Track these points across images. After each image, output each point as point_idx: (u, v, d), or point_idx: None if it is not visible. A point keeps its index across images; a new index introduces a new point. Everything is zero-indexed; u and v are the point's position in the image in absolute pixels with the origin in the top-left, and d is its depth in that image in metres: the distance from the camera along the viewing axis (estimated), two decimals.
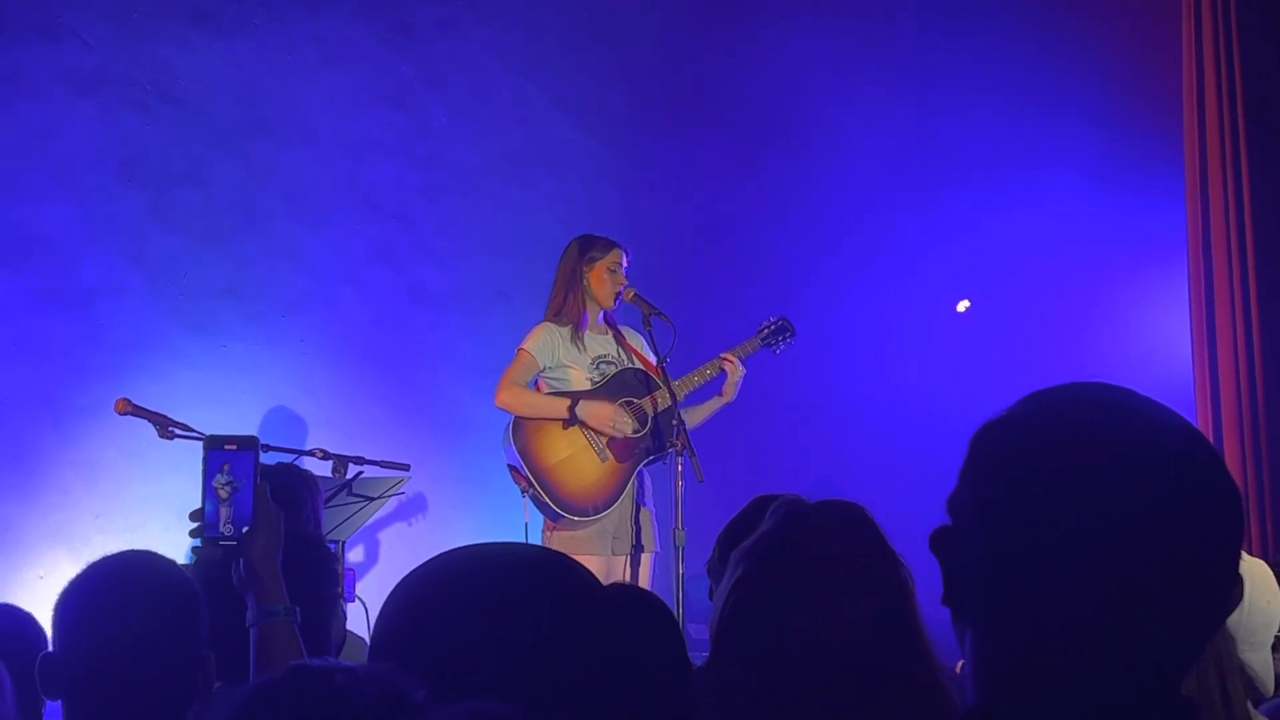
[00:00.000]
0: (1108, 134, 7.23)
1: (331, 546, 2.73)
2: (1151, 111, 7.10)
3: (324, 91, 6.61)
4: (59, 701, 2.24)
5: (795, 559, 1.90)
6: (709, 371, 5.46)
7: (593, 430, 5.28)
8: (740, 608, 1.87)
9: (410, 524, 6.52)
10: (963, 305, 7.47)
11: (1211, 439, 6.05)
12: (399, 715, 1.29)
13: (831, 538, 1.93)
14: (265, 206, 6.44)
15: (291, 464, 4.36)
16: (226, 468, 2.24)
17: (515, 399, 5.29)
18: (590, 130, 7.18)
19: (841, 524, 1.95)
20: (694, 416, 5.47)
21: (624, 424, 5.28)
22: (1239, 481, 6.05)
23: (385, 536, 6.43)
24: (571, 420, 5.25)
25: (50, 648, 2.26)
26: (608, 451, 5.30)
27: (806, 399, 7.14)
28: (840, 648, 1.82)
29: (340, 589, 2.61)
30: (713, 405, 5.49)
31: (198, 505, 2.26)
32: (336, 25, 6.67)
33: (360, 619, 4.74)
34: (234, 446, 2.26)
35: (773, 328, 5.62)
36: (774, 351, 5.63)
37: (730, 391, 5.44)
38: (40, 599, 2.33)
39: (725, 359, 5.44)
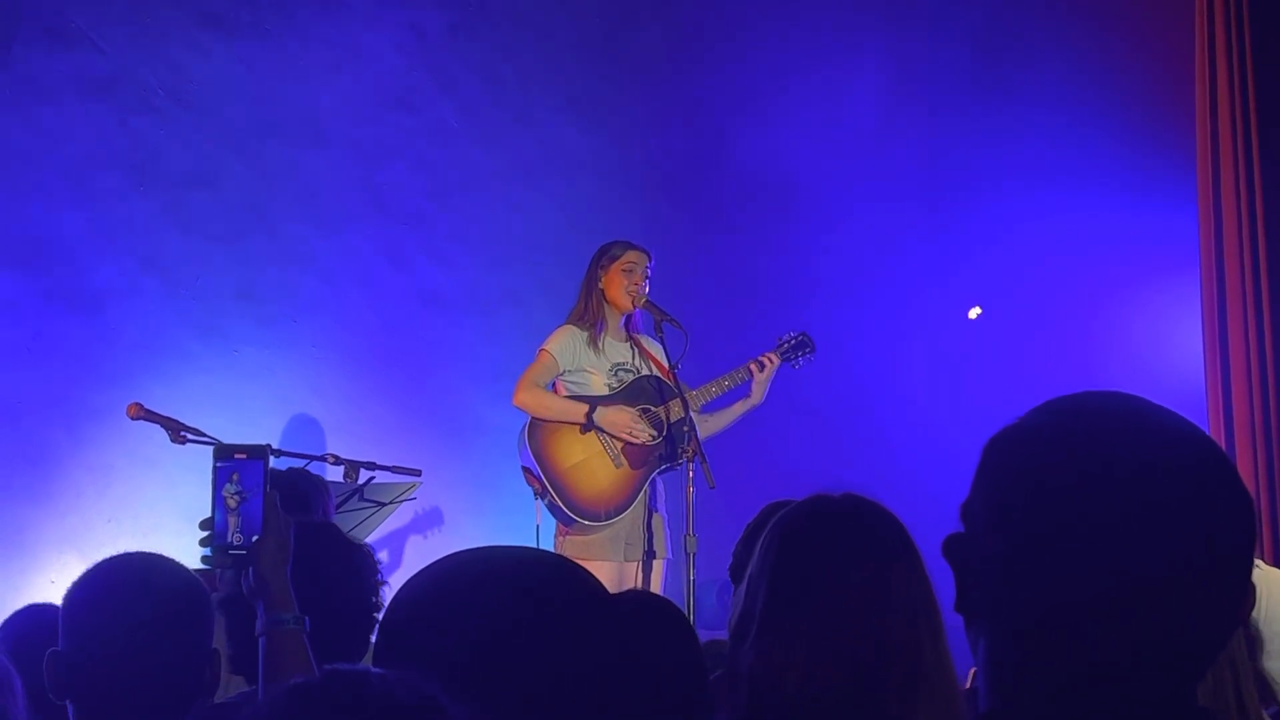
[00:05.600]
0: (1119, 142, 7.22)
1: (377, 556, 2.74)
2: (1164, 119, 7.09)
3: (336, 95, 6.62)
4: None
5: (820, 531, 1.92)
6: (734, 379, 5.46)
7: (609, 436, 5.28)
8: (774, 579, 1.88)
9: (421, 529, 6.52)
10: (974, 312, 7.46)
11: (1224, 447, 6.04)
12: (432, 717, 1.30)
13: (855, 514, 1.95)
14: (277, 210, 6.45)
15: (302, 469, 4.36)
16: (236, 477, 2.25)
17: (533, 400, 5.29)
18: (602, 134, 7.18)
19: (863, 504, 1.97)
20: (721, 420, 5.49)
21: (641, 431, 5.28)
22: (1251, 489, 6.04)
23: (396, 542, 6.43)
24: (589, 425, 5.25)
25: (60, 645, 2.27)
26: (622, 457, 5.30)
27: (820, 406, 7.13)
28: (868, 617, 1.83)
29: (378, 597, 2.62)
30: (739, 409, 5.50)
31: (209, 510, 2.27)
32: (348, 29, 6.68)
33: None
34: (244, 455, 2.27)
35: (793, 342, 5.61)
36: (793, 366, 5.61)
37: (758, 394, 5.44)
38: (52, 603, 2.34)
39: (758, 361, 5.44)
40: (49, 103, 6.02)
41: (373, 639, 2.67)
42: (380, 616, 2.67)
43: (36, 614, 2.84)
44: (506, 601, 1.61)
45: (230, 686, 2.84)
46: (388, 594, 2.84)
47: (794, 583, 1.86)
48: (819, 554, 1.88)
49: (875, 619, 1.82)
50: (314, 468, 4.84)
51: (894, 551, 1.90)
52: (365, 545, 2.75)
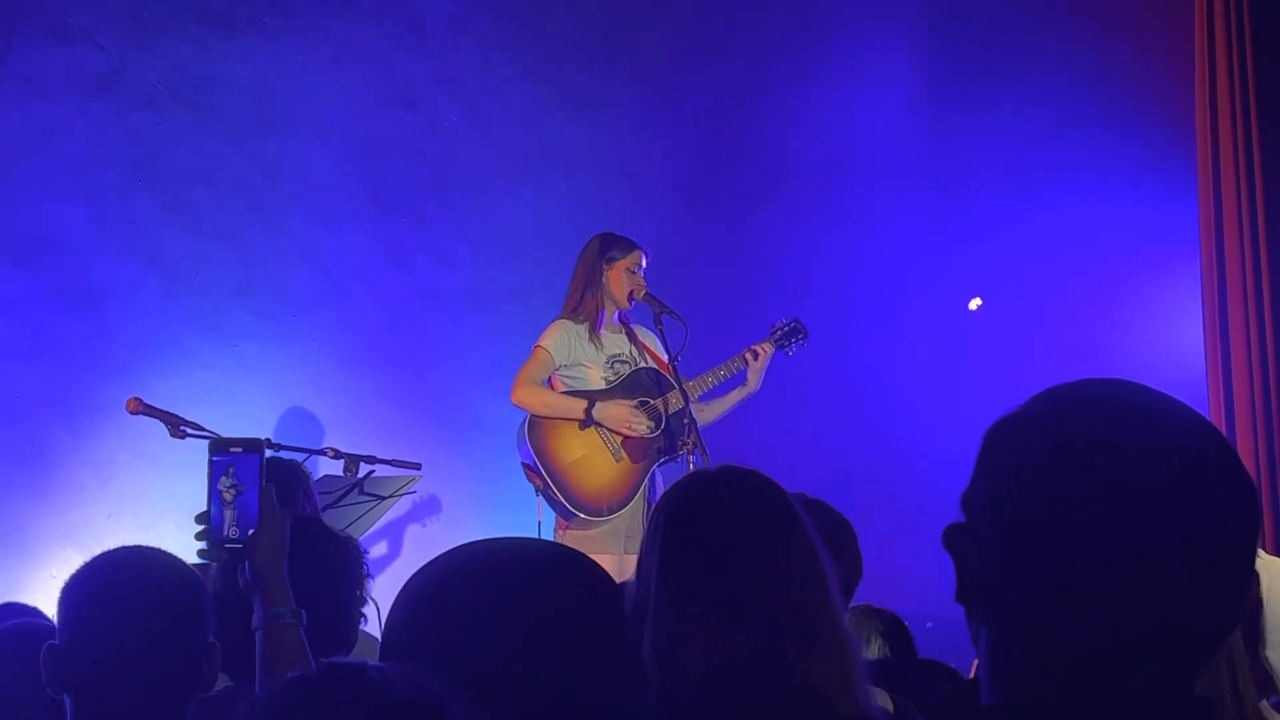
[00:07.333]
0: (1119, 134, 7.21)
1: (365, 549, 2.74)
2: (1163, 111, 7.08)
3: (336, 91, 6.61)
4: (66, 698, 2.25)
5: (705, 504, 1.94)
6: (730, 368, 5.47)
7: (609, 430, 5.28)
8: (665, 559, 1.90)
9: (422, 523, 6.52)
10: (974, 303, 7.46)
11: (1225, 435, 6.03)
12: (430, 713, 1.29)
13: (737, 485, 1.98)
14: (277, 206, 6.44)
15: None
16: (231, 470, 2.25)
17: (532, 397, 5.29)
18: (602, 129, 7.17)
19: (740, 473, 2.00)
20: (717, 409, 5.50)
21: (640, 424, 5.28)
22: (1253, 478, 6.03)
23: (396, 536, 6.43)
24: (588, 421, 5.25)
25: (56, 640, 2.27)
26: (622, 451, 5.30)
27: (820, 398, 7.13)
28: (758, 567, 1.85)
29: (363, 591, 2.61)
30: (736, 396, 5.51)
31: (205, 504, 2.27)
32: (348, 24, 6.67)
33: (371, 617, 4.73)
34: (239, 449, 2.26)
35: (785, 329, 5.62)
36: (787, 353, 5.63)
37: (754, 381, 5.46)
38: (53, 598, 2.33)
39: (753, 349, 5.45)
40: (49, 99, 6.00)
41: (359, 633, 2.68)
42: (365, 611, 2.68)
43: None
44: (505, 595, 1.61)
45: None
46: (378, 588, 2.83)
47: (683, 557, 1.88)
48: (702, 526, 1.90)
49: (767, 582, 1.83)
50: (314, 462, 4.83)
51: (774, 514, 1.92)
52: (352, 539, 2.74)
